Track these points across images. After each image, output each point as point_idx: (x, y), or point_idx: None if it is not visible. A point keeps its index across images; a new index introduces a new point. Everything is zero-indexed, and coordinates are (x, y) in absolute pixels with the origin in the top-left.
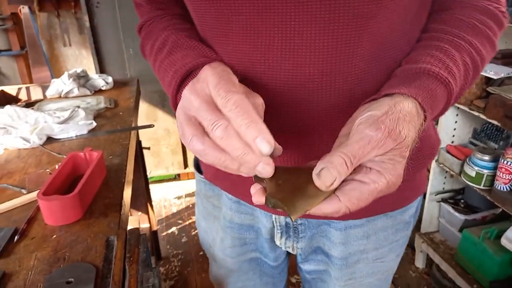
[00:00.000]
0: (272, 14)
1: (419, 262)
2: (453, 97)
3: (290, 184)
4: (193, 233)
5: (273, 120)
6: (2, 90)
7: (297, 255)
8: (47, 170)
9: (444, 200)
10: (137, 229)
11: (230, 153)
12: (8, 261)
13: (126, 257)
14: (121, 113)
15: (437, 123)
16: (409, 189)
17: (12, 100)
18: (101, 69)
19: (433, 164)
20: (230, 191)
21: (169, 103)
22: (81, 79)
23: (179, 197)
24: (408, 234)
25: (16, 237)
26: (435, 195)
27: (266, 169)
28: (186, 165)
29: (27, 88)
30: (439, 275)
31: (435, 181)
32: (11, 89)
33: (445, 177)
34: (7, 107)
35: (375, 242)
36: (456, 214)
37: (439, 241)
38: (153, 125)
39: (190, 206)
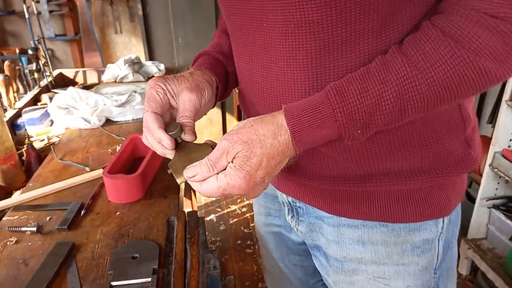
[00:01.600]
0: (247, 30)
1: (463, 269)
2: (346, 126)
3: (186, 157)
4: (231, 221)
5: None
6: (60, 73)
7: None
8: (109, 150)
9: (495, 207)
10: (195, 211)
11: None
12: (76, 233)
13: (187, 238)
14: None
15: (493, 125)
16: (414, 203)
17: (70, 82)
18: (151, 57)
19: (486, 168)
20: None
21: None
22: (135, 65)
23: None
24: (423, 264)
25: (82, 212)
26: (486, 201)
27: (166, 155)
28: None
29: (84, 72)
30: (485, 284)
31: (487, 186)
32: (68, 72)
33: (498, 183)
34: (70, 88)
35: (374, 254)
36: (508, 221)
37: (487, 248)
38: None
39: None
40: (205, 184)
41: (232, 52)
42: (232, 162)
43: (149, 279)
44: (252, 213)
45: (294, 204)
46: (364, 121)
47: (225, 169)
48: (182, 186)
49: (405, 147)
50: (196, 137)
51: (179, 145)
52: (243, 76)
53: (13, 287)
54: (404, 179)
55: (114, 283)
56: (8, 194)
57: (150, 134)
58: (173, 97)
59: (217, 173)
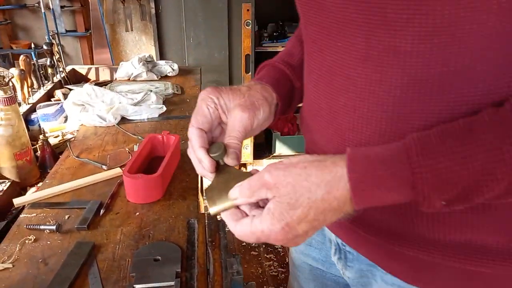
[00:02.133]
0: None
1: None
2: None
3: (224, 185)
4: None
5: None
6: (73, 69)
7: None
8: (126, 149)
9: None
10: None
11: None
12: (96, 233)
13: (208, 241)
14: (188, 100)
15: None
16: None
17: (82, 79)
18: (161, 56)
19: None
20: None
21: None
22: (149, 64)
23: None
24: None
25: (102, 211)
26: None
27: (205, 177)
28: None
29: (96, 69)
30: None
31: None
32: (81, 69)
33: None
34: (86, 85)
35: None
36: None
37: None
38: None
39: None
40: (239, 226)
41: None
42: (272, 202)
43: (172, 283)
44: None
45: (343, 247)
46: (455, 192)
47: (263, 207)
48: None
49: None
50: (239, 161)
51: (220, 168)
52: (308, 95)
53: (34, 286)
54: (492, 259)
55: (137, 286)
56: (23, 190)
57: (192, 151)
58: (224, 112)
59: (255, 207)
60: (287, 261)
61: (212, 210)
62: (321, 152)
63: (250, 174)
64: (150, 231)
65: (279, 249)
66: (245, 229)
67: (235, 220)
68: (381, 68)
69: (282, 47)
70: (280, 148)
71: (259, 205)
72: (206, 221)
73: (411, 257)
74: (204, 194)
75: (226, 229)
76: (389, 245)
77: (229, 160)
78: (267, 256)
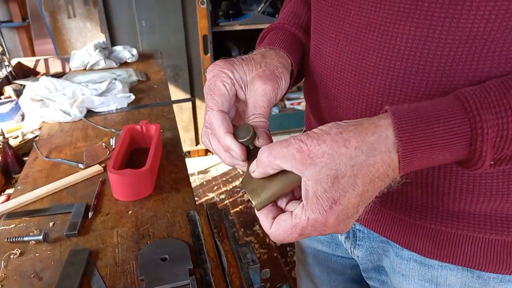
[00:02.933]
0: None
1: None
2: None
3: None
4: None
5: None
6: (19, 62)
7: (359, 265)
8: (102, 144)
9: None
10: (215, 203)
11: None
12: (90, 238)
13: (214, 233)
14: (155, 86)
15: None
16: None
17: (30, 72)
18: (112, 43)
19: None
20: None
21: (181, 78)
22: (105, 50)
23: (191, 175)
24: None
25: (90, 213)
26: None
27: (237, 167)
28: (197, 142)
29: (45, 60)
30: None
31: None
32: (28, 61)
33: None
34: (43, 78)
35: None
36: None
37: None
38: (194, 99)
39: (204, 183)
40: (276, 225)
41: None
42: (309, 181)
43: (187, 281)
44: (231, 200)
45: (352, 226)
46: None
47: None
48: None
49: None
50: (272, 141)
51: (251, 153)
52: (320, 60)
53: None
54: None
55: None
56: None
57: (215, 139)
58: (241, 88)
59: (292, 201)
60: (267, 241)
61: (260, 205)
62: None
63: None
64: (148, 229)
65: (258, 231)
66: (284, 226)
67: (271, 218)
68: (430, 22)
69: (240, 25)
70: None
71: (296, 197)
72: (207, 212)
73: (434, 230)
74: (242, 187)
75: (230, 217)
76: (409, 218)
77: (261, 142)
78: (247, 238)
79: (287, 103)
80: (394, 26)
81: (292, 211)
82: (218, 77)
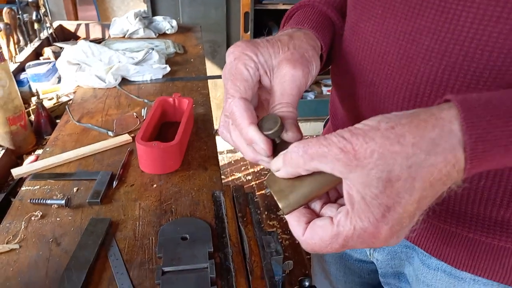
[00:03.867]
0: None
1: None
2: None
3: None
4: None
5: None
6: (60, 25)
7: (377, 268)
8: (133, 113)
9: None
10: (242, 186)
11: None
12: (112, 208)
13: (239, 217)
14: (192, 60)
15: None
16: None
17: (71, 36)
18: (153, 14)
19: None
20: None
21: (219, 55)
22: (145, 20)
23: (220, 153)
24: None
25: (114, 183)
26: None
27: (260, 163)
28: None
29: (86, 25)
30: None
31: None
32: (69, 25)
33: None
34: (81, 41)
35: None
36: None
37: None
38: None
39: (232, 162)
40: (311, 231)
41: (346, 4)
42: (355, 185)
43: (205, 265)
44: (257, 182)
45: None
46: None
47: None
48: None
49: None
50: (302, 135)
51: (278, 148)
52: (358, 40)
53: (48, 270)
54: None
55: (166, 269)
56: (19, 159)
57: (236, 130)
58: (266, 73)
59: (329, 204)
60: None
61: (288, 207)
62: (378, 109)
63: None
64: (172, 205)
65: (282, 216)
66: (322, 234)
67: (305, 223)
68: None
69: (284, 4)
70: None
71: (332, 200)
72: (233, 194)
73: (470, 239)
74: (266, 187)
75: (255, 199)
76: (442, 224)
77: (289, 135)
78: (270, 223)
79: (324, 89)
80: (459, 3)
81: (331, 217)
82: (240, 59)
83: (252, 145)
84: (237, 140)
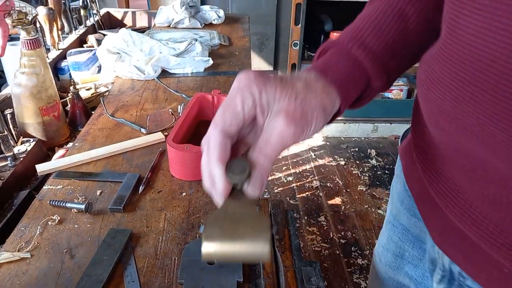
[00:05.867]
0: None
1: None
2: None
3: (231, 223)
4: (276, 190)
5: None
6: (108, 12)
7: None
8: (169, 110)
9: None
10: (281, 200)
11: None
12: (134, 217)
13: (275, 240)
14: (237, 52)
15: None
16: None
17: (117, 24)
18: (202, 2)
19: None
20: (407, 177)
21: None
22: (192, 9)
23: None
24: None
25: (141, 188)
26: None
27: (214, 199)
28: None
29: (133, 13)
30: None
31: None
32: (116, 12)
33: None
34: (123, 30)
35: None
36: None
37: None
38: (277, 72)
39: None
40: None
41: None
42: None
43: None
44: (299, 184)
45: (461, 279)
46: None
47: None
48: None
49: None
50: (261, 193)
51: (234, 192)
52: (457, 43)
53: (57, 285)
54: None
55: None
56: (50, 151)
57: (206, 159)
58: (263, 113)
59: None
60: (331, 236)
61: (207, 249)
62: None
63: (267, 220)
64: (200, 219)
65: (323, 223)
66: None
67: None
68: None
69: None
70: None
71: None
72: (271, 210)
73: None
74: (202, 223)
75: (295, 202)
76: None
77: (249, 189)
78: (310, 229)
79: None
80: None
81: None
82: (241, 92)
83: (213, 183)
84: (204, 169)
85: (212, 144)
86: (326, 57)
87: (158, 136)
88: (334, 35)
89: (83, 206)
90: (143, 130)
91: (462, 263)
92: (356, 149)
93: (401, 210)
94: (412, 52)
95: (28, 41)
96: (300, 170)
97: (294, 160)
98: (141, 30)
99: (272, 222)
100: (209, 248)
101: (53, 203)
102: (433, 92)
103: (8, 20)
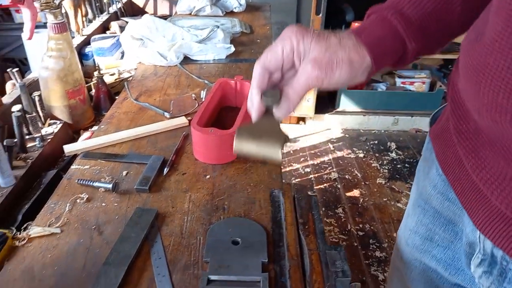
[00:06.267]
0: None
1: None
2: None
3: (259, 133)
4: (294, 181)
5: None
6: (130, 0)
7: None
8: (192, 95)
9: None
10: (305, 187)
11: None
12: (160, 198)
13: (299, 223)
14: (258, 40)
15: None
16: None
17: (139, 11)
18: None
19: None
20: (442, 163)
21: None
22: None
23: None
24: None
25: (165, 169)
26: None
27: (251, 115)
28: None
29: (155, 1)
30: None
31: None
32: (138, 0)
33: None
34: (146, 16)
35: None
36: None
37: None
38: None
39: (291, 152)
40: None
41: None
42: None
43: (258, 278)
44: (316, 175)
45: (504, 263)
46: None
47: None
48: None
49: None
50: (287, 116)
51: (267, 112)
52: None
53: (86, 261)
54: None
55: (212, 277)
56: (76, 134)
57: (251, 87)
58: (299, 59)
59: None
60: (349, 227)
61: (237, 146)
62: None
63: (283, 136)
64: (224, 201)
65: (341, 214)
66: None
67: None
68: None
69: None
70: (345, 103)
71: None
72: (294, 195)
73: None
74: (237, 130)
75: (313, 193)
76: None
77: (276, 112)
78: (327, 220)
79: (398, 80)
80: None
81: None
82: (282, 40)
83: (251, 103)
84: (249, 93)
85: (254, 74)
86: (364, 21)
87: (182, 120)
88: (355, 25)
89: (110, 186)
90: (166, 114)
91: (506, 247)
92: (376, 142)
93: (433, 195)
94: (450, 28)
95: (56, 25)
96: (318, 161)
97: (312, 151)
98: (163, 18)
99: (295, 204)
100: (239, 145)
101: (81, 182)
102: (485, 85)
103: (37, 4)
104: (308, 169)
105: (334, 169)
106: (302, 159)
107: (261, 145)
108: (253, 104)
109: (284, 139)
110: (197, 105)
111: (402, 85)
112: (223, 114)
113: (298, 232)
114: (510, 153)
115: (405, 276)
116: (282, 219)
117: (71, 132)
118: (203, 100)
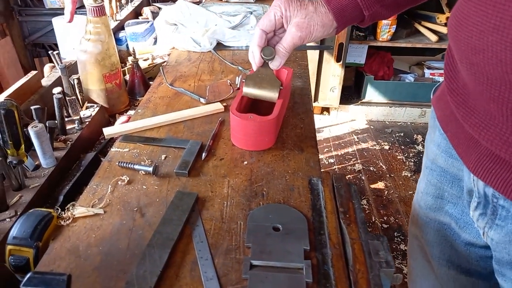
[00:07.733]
0: None
1: None
2: None
3: (260, 80)
4: None
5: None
6: None
7: (492, 252)
8: (227, 81)
9: None
10: (343, 175)
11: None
12: (199, 182)
13: (340, 212)
14: None
15: None
16: None
17: None
18: None
19: None
20: (442, 123)
21: None
22: None
23: None
24: None
25: (203, 154)
26: None
27: (252, 65)
28: (315, 99)
29: None
30: None
31: None
32: None
33: None
34: (180, 1)
35: None
36: None
37: None
38: (332, 47)
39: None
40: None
41: None
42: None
43: (300, 265)
44: (340, 166)
45: (494, 200)
46: None
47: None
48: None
49: None
50: (278, 68)
51: (265, 64)
52: None
53: (130, 242)
54: None
55: (255, 262)
56: (111, 118)
57: (251, 44)
58: (287, 22)
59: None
60: (373, 220)
61: (246, 91)
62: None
63: (278, 82)
64: (263, 187)
65: (365, 206)
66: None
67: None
68: None
69: None
70: (371, 93)
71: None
72: (334, 183)
73: None
74: (244, 77)
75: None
76: None
77: (271, 64)
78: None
79: (427, 72)
80: None
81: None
82: (275, 8)
83: (253, 57)
84: (250, 50)
85: (255, 35)
86: None
87: (218, 106)
88: None
89: (150, 169)
90: (202, 100)
91: (495, 183)
92: (402, 134)
93: (438, 154)
94: None
95: (94, 8)
96: (342, 152)
97: (337, 142)
98: (195, 3)
99: (335, 193)
100: (247, 90)
101: (122, 164)
102: (462, 32)
103: None
104: (332, 160)
105: (359, 161)
106: (326, 149)
107: (262, 89)
108: (254, 58)
109: (279, 84)
110: (232, 91)
111: (431, 76)
112: (258, 101)
113: (339, 221)
114: (489, 92)
115: (422, 240)
116: (322, 207)
117: (107, 116)
118: (238, 86)
